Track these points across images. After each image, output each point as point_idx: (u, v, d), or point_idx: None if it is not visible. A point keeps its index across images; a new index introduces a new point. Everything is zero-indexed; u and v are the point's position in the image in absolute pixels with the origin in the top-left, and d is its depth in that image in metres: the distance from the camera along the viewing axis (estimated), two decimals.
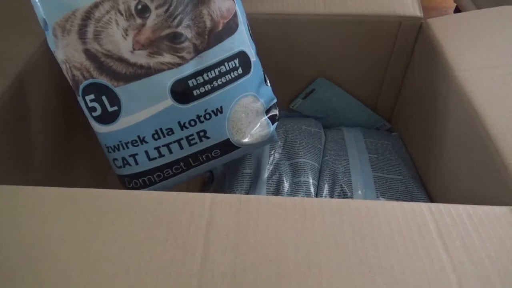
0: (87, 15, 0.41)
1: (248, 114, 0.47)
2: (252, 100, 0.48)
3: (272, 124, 0.50)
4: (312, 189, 0.54)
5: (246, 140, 0.48)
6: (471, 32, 0.51)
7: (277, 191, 0.54)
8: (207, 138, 0.46)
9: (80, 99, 0.45)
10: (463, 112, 0.44)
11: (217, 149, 0.47)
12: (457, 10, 1.25)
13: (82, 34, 0.42)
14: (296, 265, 0.29)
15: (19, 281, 0.29)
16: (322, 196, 0.53)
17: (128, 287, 0.28)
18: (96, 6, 0.41)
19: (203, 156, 0.47)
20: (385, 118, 0.71)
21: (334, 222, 0.32)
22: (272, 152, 0.59)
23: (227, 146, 0.47)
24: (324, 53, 0.63)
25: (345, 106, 0.69)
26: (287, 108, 0.71)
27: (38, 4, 0.42)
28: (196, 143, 0.46)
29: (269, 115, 0.50)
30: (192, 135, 0.46)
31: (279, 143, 0.60)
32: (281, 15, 0.58)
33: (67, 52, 0.43)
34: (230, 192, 0.56)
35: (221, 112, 0.46)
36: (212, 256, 0.29)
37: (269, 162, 0.57)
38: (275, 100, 0.52)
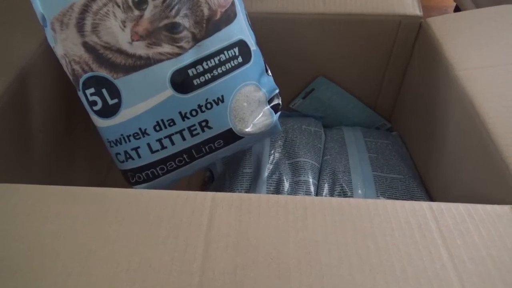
0: (85, 8, 0.41)
1: (250, 103, 0.47)
2: (253, 89, 0.47)
3: (275, 113, 0.50)
4: (312, 189, 0.54)
5: (249, 129, 0.47)
6: (471, 31, 0.51)
7: (277, 190, 0.54)
8: (209, 128, 0.46)
9: (80, 93, 0.45)
10: (463, 111, 0.44)
11: (220, 139, 0.47)
12: (457, 9, 1.25)
13: (80, 27, 0.42)
14: (297, 263, 0.29)
15: (20, 279, 0.28)
16: (322, 196, 0.53)
17: (129, 285, 0.28)
18: None
19: (206, 147, 0.47)
20: (385, 117, 0.71)
21: (335, 221, 0.32)
22: (272, 151, 0.59)
23: (230, 136, 0.47)
24: (324, 52, 0.63)
25: (345, 106, 0.69)
26: (287, 108, 0.71)
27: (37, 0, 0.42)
28: (198, 133, 0.46)
29: (272, 104, 0.50)
30: (194, 125, 0.45)
31: (279, 142, 0.60)
32: (280, 14, 0.58)
33: (66, 46, 0.43)
34: (230, 192, 0.56)
35: (222, 101, 0.45)
36: (213, 254, 0.29)
37: (269, 162, 0.57)
38: (277, 90, 0.52)
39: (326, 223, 0.32)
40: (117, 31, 0.42)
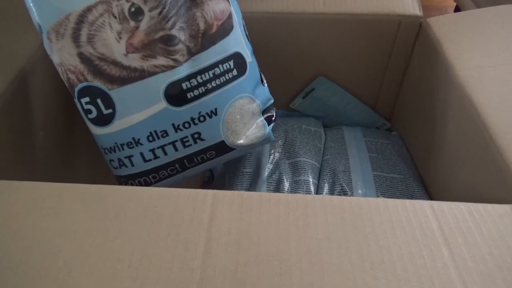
0: (81, 19, 0.41)
1: (243, 115, 0.47)
2: (247, 101, 0.47)
3: (269, 124, 0.50)
4: (312, 188, 0.54)
5: (241, 141, 0.48)
6: (471, 31, 0.51)
7: (277, 190, 0.54)
8: (202, 140, 0.46)
9: (76, 101, 0.45)
10: (463, 110, 0.44)
11: (212, 151, 0.47)
12: (457, 9, 1.26)
13: (76, 37, 0.42)
14: (298, 261, 0.29)
15: (21, 276, 0.28)
16: None
17: (130, 281, 0.28)
18: (89, 9, 0.41)
19: (198, 158, 0.47)
20: (385, 117, 0.71)
21: (336, 219, 0.32)
22: (272, 151, 0.59)
23: (222, 147, 0.47)
24: (324, 52, 0.63)
25: (345, 105, 0.69)
26: (287, 108, 0.71)
27: (33, 8, 0.42)
28: (190, 145, 0.46)
29: (266, 115, 0.50)
30: (186, 137, 0.45)
31: (279, 142, 0.60)
32: (281, 14, 0.58)
33: (62, 56, 0.43)
34: None
35: (215, 114, 0.45)
36: (214, 251, 0.29)
37: (269, 161, 0.57)
38: (272, 101, 0.52)
39: (327, 221, 0.32)
40: (112, 42, 0.42)
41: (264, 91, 0.50)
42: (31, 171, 0.47)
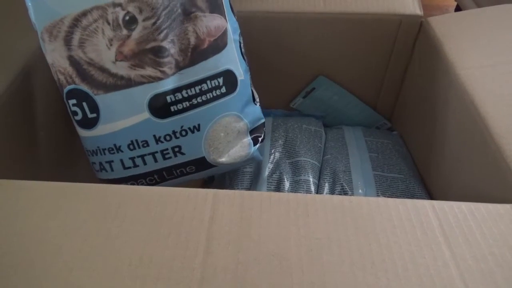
0: (75, 23, 0.42)
1: (228, 133, 0.47)
2: (234, 119, 0.47)
3: (255, 144, 0.49)
4: (312, 188, 0.54)
5: (223, 159, 0.47)
6: (471, 31, 0.51)
7: (277, 189, 0.54)
8: (182, 154, 0.46)
9: (65, 102, 0.45)
10: (464, 110, 0.44)
11: (191, 166, 0.47)
12: (458, 8, 1.26)
13: (67, 40, 0.42)
14: (298, 260, 0.29)
15: (22, 275, 0.28)
16: None
17: (130, 280, 0.28)
18: (84, 14, 0.41)
19: (177, 171, 0.47)
20: (386, 117, 0.71)
21: (336, 219, 0.32)
22: (273, 151, 0.59)
23: (202, 163, 0.47)
24: (324, 51, 0.63)
25: (345, 105, 0.69)
26: (287, 107, 0.71)
27: (31, 8, 0.42)
28: (170, 157, 0.46)
29: (253, 135, 0.49)
30: (166, 149, 0.45)
31: (279, 141, 0.60)
32: (281, 13, 0.58)
33: (53, 57, 0.43)
34: None
35: (198, 130, 0.45)
36: (214, 250, 0.29)
37: (270, 161, 0.57)
38: (263, 120, 0.51)
39: (327, 220, 0.32)
40: (102, 48, 0.42)
41: (254, 110, 0.50)
42: (31, 171, 0.47)
